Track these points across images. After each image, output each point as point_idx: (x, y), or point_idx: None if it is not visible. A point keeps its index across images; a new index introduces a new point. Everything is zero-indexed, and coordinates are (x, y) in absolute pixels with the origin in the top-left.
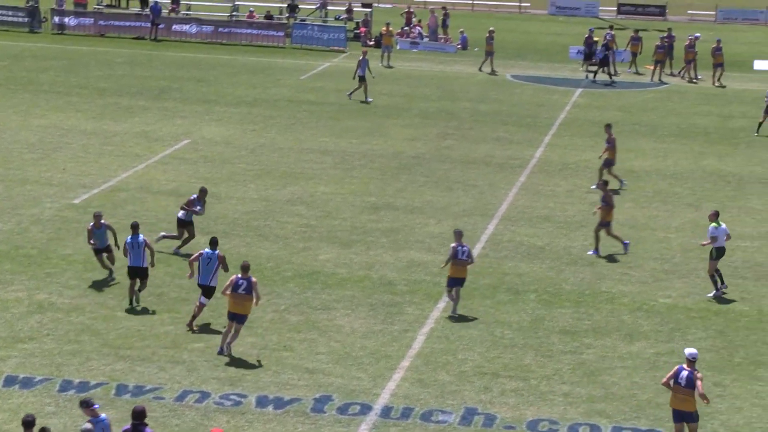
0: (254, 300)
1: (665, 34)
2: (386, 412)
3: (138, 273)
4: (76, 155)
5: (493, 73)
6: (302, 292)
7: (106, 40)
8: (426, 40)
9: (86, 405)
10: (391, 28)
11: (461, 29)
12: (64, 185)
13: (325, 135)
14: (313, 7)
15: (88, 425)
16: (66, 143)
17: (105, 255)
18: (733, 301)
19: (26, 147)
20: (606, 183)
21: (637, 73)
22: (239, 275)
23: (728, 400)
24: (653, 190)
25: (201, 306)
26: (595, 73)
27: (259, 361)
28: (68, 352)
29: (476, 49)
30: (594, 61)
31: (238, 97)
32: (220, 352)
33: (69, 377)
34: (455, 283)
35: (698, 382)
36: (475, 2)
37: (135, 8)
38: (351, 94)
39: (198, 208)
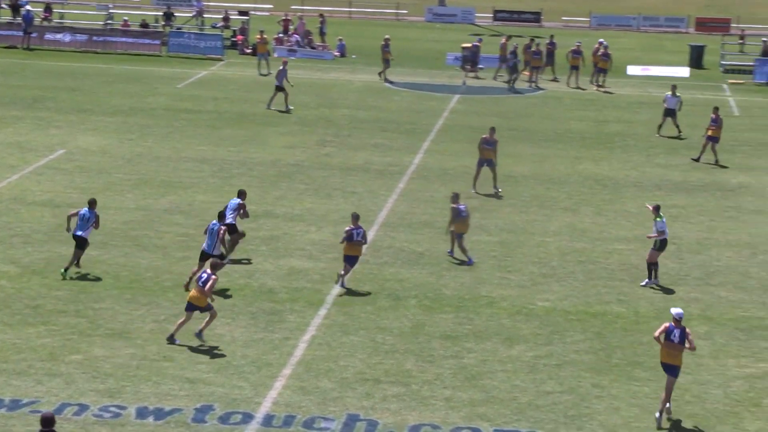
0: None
1: (547, 41)
2: (268, 420)
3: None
4: None
5: (387, 80)
6: (182, 301)
7: None
8: (304, 47)
9: None
10: (265, 36)
11: (339, 37)
12: None
13: (203, 144)
14: (190, 15)
15: None
16: None
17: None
18: (610, 303)
19: None
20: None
21: (578, 87)
22: (207, 269)
23: (606, 401)
24: (531, 195)
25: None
26: (512, 81)
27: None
28: None
29: (354, 56)
30: (504, 67)
31: (114, 106)
32: (170, 340)
33: None
34: (350, 260)
35: (690, 337)
36: (352, 9)
37: (6, 17)
38: (269, 104)
39: (242, 211)
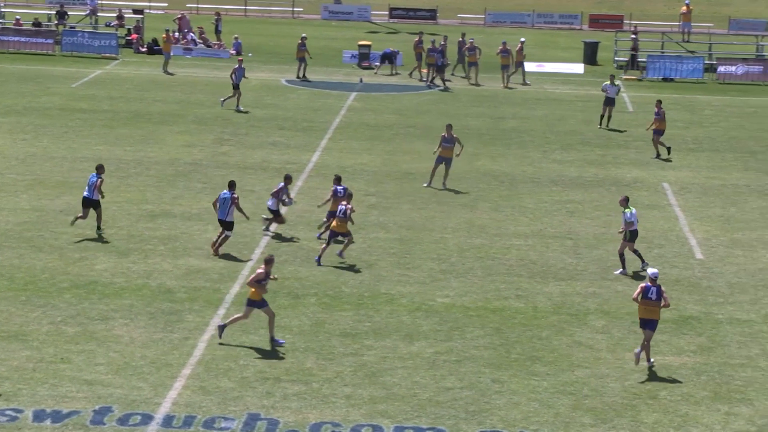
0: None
1: (459, 38)
2: (168, 421)
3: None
4: None
5: (305, 79)
6: (79, 302)
7: None
8: (200, 45)
9: None
10: (170, 35)
11: (235, 35)
12: None
13: (99, 143)
14: (83, 13)
15: None
16: None
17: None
18: (509, 298)
19: None
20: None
21: (507, 87)
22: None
23: (506, 396)
24: (429, 192)
25: (225, 237)
26: (443, 80)
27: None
28: None
29: (250, 54)
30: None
31: (7, 106)
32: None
33: None
34: (334, 235)
35: (665, 295)
36: (248, 7)
37: None
38: (223, 101)
39: (286, 199)
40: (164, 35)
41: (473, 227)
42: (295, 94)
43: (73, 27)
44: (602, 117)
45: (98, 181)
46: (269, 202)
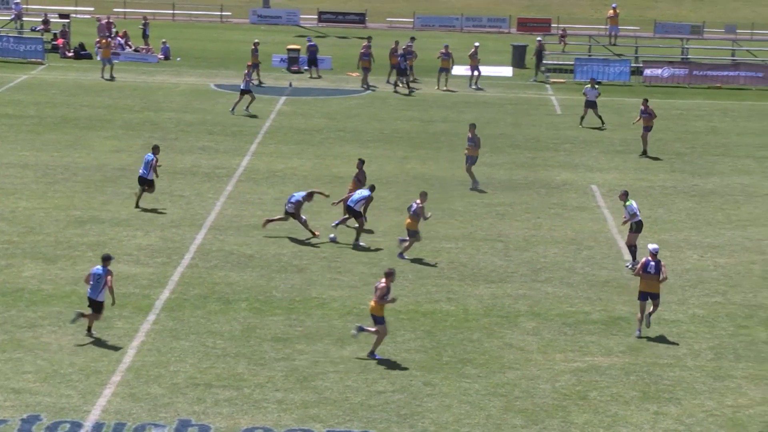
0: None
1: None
2: (98, 428)
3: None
4: None
5: (260, 84)
6: (6, 310)
7: None
8: (128, 50)
9: None
10: (109, 40)
11: (163, 39)
12: None
13: (25, 149)
14: (8, 18)
15: None
16: None
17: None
18: (440, 301)
19: None
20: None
21: (448, 90)
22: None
23: (438, 399)
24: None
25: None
26: (407, 83)
27: None
28: None
29: (178, 58)
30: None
31: None
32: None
33: None
34: (411, 232)
35: (663, 269)
36: (176, 12)
37: None
38: (233, 109)
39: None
40: (101, 41)
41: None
42: (224, 99)
43: None
44: (582, 118)
45: (154, 161)
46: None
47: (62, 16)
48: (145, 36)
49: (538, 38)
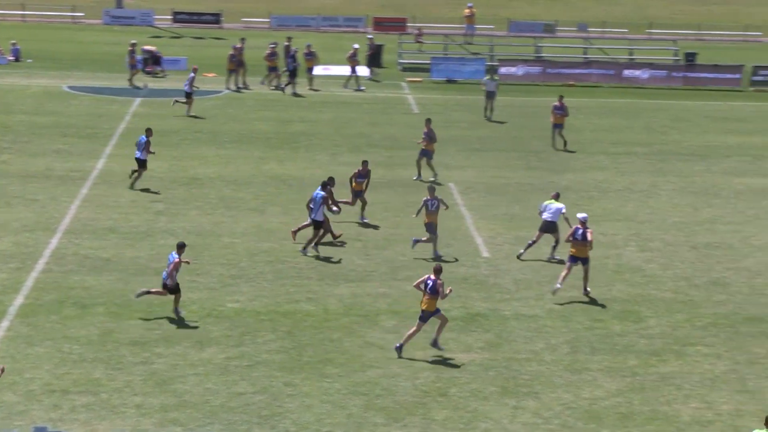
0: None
1: (239, 45)
2: None
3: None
4: None
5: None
6: None
7: None
8: None
9: None
10: None
11: (12, 41)
12: None
13: None
14: None
15: None
16: None
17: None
18: (300, 301)
19: None
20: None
21: (314, 89)
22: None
23: (299, 399)
24: (217, 197)
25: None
26: (293, 84)
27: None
28: None
29: (29, 60)
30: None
31: None
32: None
33: None
34: (431, 228)
35: (589, 235)
36: (26, 12)
37: None
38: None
39: (335, 209)
40: None
41: (262, 231)
42: (77, 101)
43: None
44: (485, 109)
45: (147, 142)
46: (315, 214)
47: None
48: None
49: (369, 36)
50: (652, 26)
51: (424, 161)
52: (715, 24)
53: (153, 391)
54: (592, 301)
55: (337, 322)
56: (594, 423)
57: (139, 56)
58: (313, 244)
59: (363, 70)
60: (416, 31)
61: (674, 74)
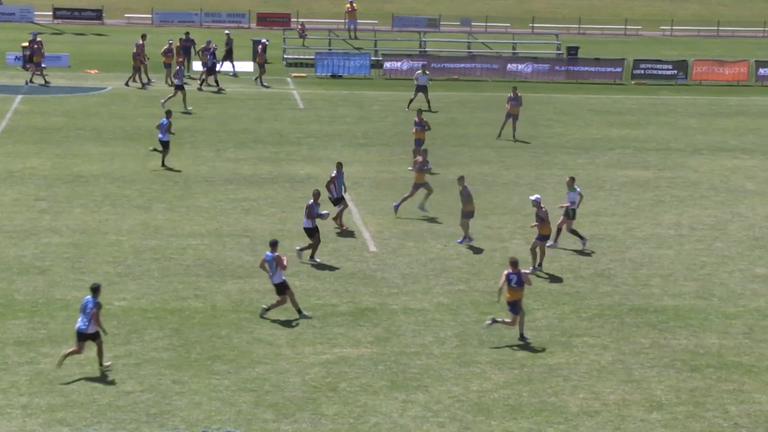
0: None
1: (185, 37)
2: None
3: None
4: None
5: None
6: None
7: None
8: None
9: None
10: None
11: None
12: None
13: None
14: None
15: None
16: None
17: None
18: (187, 298)
19: None
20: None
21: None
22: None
23: (188, 396)
24: (102, 194)
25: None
26: (216, 81)
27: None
28: None
29: None
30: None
31: None
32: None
33: None
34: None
35: (541, 215)
36: None
37: None
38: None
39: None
40: None
41: (148, 228)
42: None
43: None
44: (411, 101)
45: (168, 124)
46: (305, 223)
47: None
48: None
49: (226, 32)
50: (534, 21)
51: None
52: (596, 18)
53: (39, 391)
54: (480, 295)
55: (226, 319)
56: (483, 415)
57: (19, 53)
58: (313, 251)
59: (239, 65)
60: (300, 27)
61: (557, 68)
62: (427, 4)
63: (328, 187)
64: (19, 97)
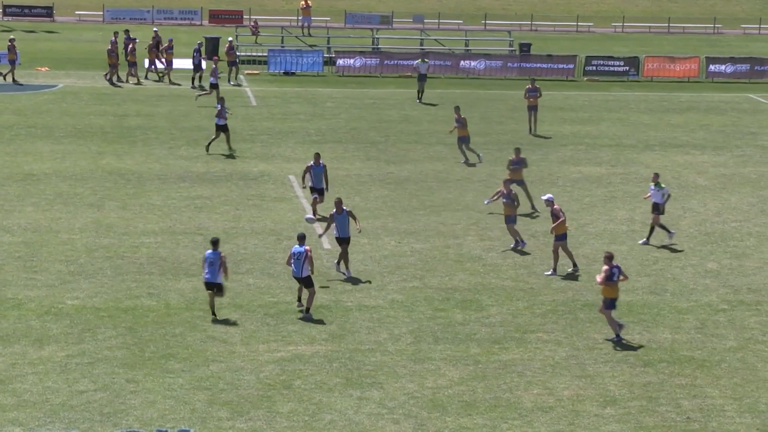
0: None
1: (126, 36)
2: None
3: None
4: None
5: (16, 82)
6: None
7: None
8: None
9: None
10: None
11: None
12: None
13: None
14: None
15: None
16: None
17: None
18: (140, 297)
19: None
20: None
21: (237, 84)
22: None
23: (142, 395)
24: (54, 193)
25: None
26: (200, 78)
27: None
28: None
29: None
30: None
31: None
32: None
33: None
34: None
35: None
36: None
37: None
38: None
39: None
40: None
41: (101, 227)
42: None
43: None
44: (418, 92)
45: (223, 109)
46: (336, 232)
47: None
48: None
49: (155, 29)
50: (487, 17)
51: (464, 146)
52: (548, 15)
53: None
54: (435, 291)
55: (179, 317)
56: (438, 411)
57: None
58: (342, 261)
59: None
60: (252, 24)
61: (510, 65)
62: (379, 1)
63: (303, 175)
64: None
